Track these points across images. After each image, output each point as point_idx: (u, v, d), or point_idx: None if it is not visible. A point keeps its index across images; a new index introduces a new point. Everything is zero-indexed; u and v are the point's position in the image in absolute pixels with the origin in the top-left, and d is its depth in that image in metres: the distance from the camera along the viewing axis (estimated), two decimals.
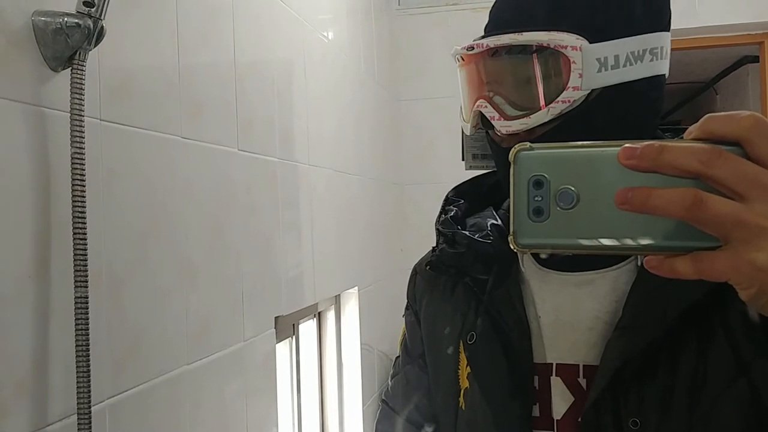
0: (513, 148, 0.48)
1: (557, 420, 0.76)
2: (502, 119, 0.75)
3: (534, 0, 0.76)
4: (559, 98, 0.73)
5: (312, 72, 2.11)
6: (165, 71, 1.28)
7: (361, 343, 2.58)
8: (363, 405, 2.58)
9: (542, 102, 0.75)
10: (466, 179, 0.93)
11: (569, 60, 0.73)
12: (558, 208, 0.47)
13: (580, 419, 0.73)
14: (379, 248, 2.90)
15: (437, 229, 0.88)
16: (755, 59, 3.52)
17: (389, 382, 1.00)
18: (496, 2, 0.81)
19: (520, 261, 0.84)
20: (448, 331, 0.86)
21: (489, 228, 0.85)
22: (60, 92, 0.97)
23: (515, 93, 0.77)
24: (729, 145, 0.44)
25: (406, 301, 0.99)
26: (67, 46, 0.94)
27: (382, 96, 3.05)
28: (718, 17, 3.06)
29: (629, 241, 0.46)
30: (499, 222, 0.86)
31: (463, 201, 0.90)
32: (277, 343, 1.81)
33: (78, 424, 0.94)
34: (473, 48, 0.75)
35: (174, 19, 1.32)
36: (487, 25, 0.81)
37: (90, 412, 0.95)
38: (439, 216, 0.89)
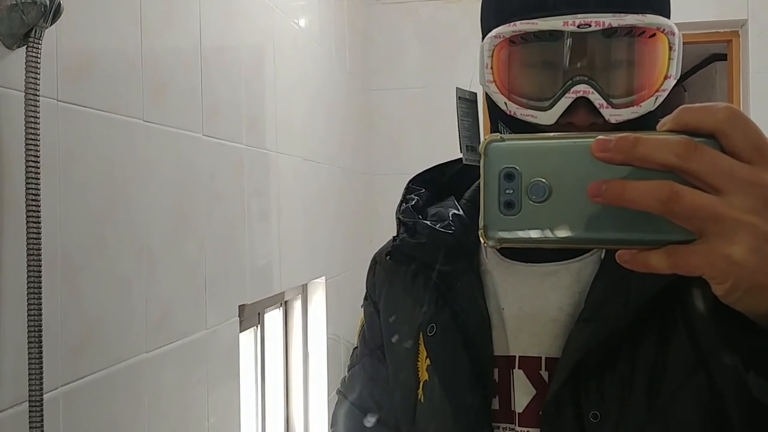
0: (483, 140, 0.47)
1: (519, 413, 0.75)
2: (610, 107, 0.69)
3: None
4: (662, 87, 0.71)
5: (282, 59, 2.09)
6: (127, 53, 1.25)
7: (327, 333, 2.57)
8: (328, 395, 2.57)
9: (650, 89, 0.71)
10: (428, 168, 0.91)
11: (671, 47, 0.70)
12: (530, 201, 0.45)
13: (541, 412, 0.72)
14: (348, 238, 2.88)
15: (398, 218, 0.86)
16: (723, 57, 3.55)
17: (346, 374, 0.97)
18: None
19: (483, 252, 0.82)
20: (407, 323, 0.84)
21: (450, 218, 0.83)
22: (15, 71, 0.95)
23: (621, 78, 0.71)
24: (704, 137, 0.43)
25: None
26: (23, 23, 0.92)
27: (352, 85, 3.03)
28: (688, 15, 3.09)
29: (602, 235, 0.45)
30: (461, 212, 0.84)
31: (424, 190, 0.88)
32: (241, 331, 1.79)
33: (29, 411, 0.92)
34: (589, 25, 0.67)
35: (137, 0, 1.29)
36: (552, 1, 0.70)
37: (42, 399, 0.93)
38: (400, 205, 0.86)
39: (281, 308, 2.36)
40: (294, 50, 2.22)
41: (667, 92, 0.71)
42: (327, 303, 2.56)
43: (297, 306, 2.48)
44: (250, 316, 1.91)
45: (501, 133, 0.76)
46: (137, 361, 1.26)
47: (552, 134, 0.46)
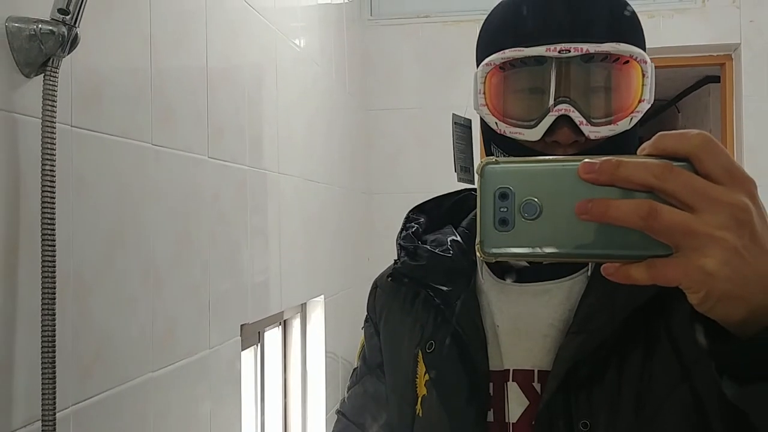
0: (480, 162, 0.51)
1: (513, 423, 0.79)
2: (589, 125, 0.77)
3: (612, 13, 0.79)
4: (636, 109, 0.78)
5: (283, 80, 2.12)
6: (137, 78, 1.29)
7: (326, 352, 2.59)
8: (326, 413, 2.59)
9: (626, 111, 0.78)
10: (427, 199, 0.97)
11: (644, 74, 0.78)
12: (522, 219, 0.49)
13: (533, 422, 0.76)
14: (346, 257, 2.91)
15: (399, 244, 0.92)
16: (716, 79, 3.61)
17: (346, 394, 1.01)
18: (547, 11, 0.79)
19: (479, 273, 0.87)
20: (407, 341, 0.89)
21: (449, 243, 0.89)
22: (32, 98, 0.98)
23: (599, 100, 0.78)
24: (679, 160, 0.47)
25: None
26: (41, 52, 0.95)
27: (351, 105, 3.07)
28: (682, 38, 3.15)
29: (588, 250, 0.49)
30: (459, 238, 0.90)
31: (423, 219, 0.94)
32: (242, 350, 1.81)
33: (42, 430, 0.94)
34: (568, 51, 0.75)
35: (147, 24, 1.32)
36: (536, 33, 0.78)
37: (55, 419, 0.95)
38: (401, 232, 0.93)
39: (280, 327, 2.38)
40: (294, 71, 2.26)
41: (642, 114, 0.79)
42: (326, 322, 2.58)
43: (296, 325, 2.50)
44: (250, 335, 1.93)
45: (494, 153, 0.83)
46: (144, 381, 1.29)
47: (542, 158, 0.51)
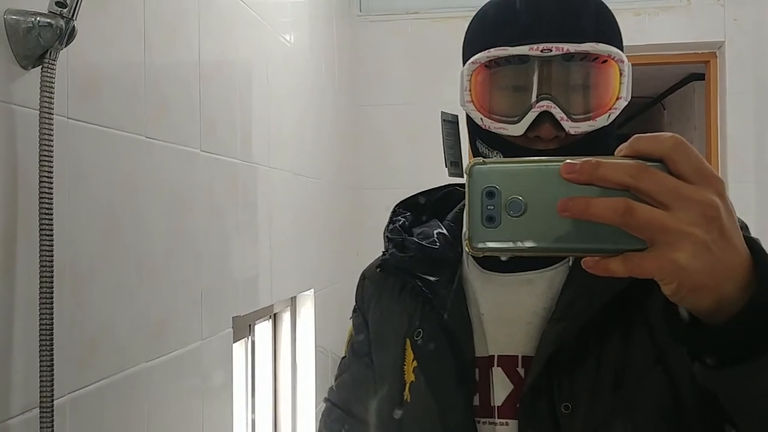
0: (468, 163, 0.54)
1: (498, 406, 0.82)
2: (569, 120, 0.81)
3: (591, 15, 0.83)
4: (614, 106, 0.83)
5: (273, 75, 2.14)
6: (132, 71, 1.30)
7: (315, 345, 2.61)
8: (316, 406, 2.61)
9: (604, 107, 0.82)
10: (413, 194, 1.01)
11: (621, 72, 0.82)
12: (508, 216, 0.53)
13: (518, 404, 0.80)
14: (336, 251, 2.93)
15: (386, 237, 0.96)
16: (701, 77, 3.66)
17: (333, 382, 1.04)
18: (530, 12, 0.83)
19: (464, 264, 0.91)
20: (395, 329, 0.92)
21: (436, 236, 0.93)
22: (30, 90, 0.99)
23: (579, 97, 0.82)
24: (654, 161, 0.51)
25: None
26: (39, 45, 0.96)
27: (341, 101, 3.09)
28: (668, 36, 3.18)
29: (569, 244, 0.53)
30: (445, 231, 0.93)
31: (409, 213, 0.98)
32: (233, 342, 1.83)
33: (40, 417, 0.96)
34: (550, 50, 0.79)
35: (141, 18, 1.33)
36: (521, 33, 0.82)
37: (52, 406, 0.97)
38: (388, 225, 0.97)
39: (270, 320, 2.40)
40: (285, 66, 2.27)
41: (619, 110, 0.83)
42: (315, 315, 2.60)
43: (286, 318, 2.52)
44: (241, 327, 1.95)
45: (479, 148, 0.87)
46: (138, 370, 1.30)
47: (527, 158, 0.54)
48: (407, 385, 0.88)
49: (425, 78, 3.33)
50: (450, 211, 0.98)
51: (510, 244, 0.53)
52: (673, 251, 0.49)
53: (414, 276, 0.90)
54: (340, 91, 3.07)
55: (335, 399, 1.02)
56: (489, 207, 0.53)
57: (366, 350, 0.98)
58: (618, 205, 0.49)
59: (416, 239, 0.92)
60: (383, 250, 0.96)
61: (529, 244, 0.53)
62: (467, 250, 0.54)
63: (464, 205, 0.94)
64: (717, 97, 3.27)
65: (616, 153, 0.53)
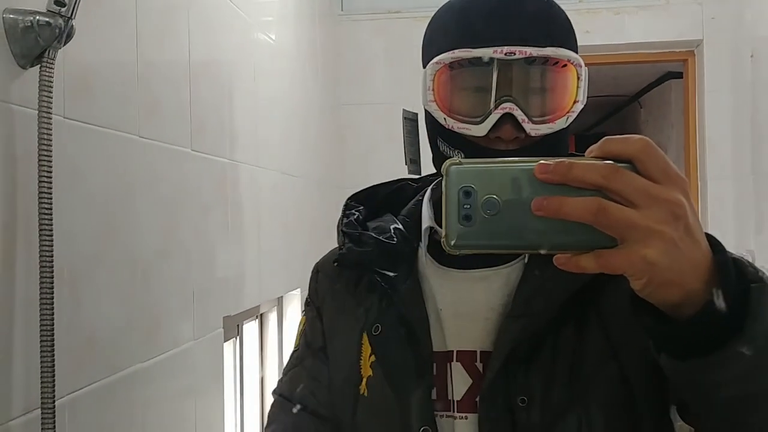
0: (445, 163, 0.56)
1: (457, 401, 0.84)
2: (530, 123, 0.82)
3: (552, 20, 0.85)
4: (572, 109, 0.85)
5: (259, 73, 2.14)
6: (125, 70, 1.29)
7: None
8: None
9: (562, 110, 0.85)
10: (364, 188, 1.01)
11: (579, 77, 0.85)
12: (484, 215, 0.54)
13: (477, 399, 0.82)
14: (322, 250, 2.92)
15: (341, 231, 0.95)
16: (679, 75, 3.71)
17: (284, 376, 1.02)
18: (494, 15, 0.84)
19: (421, 260, 0.92)
20: (351, 323, 0.92)
21: (392, 231, 0.93)
22: (28, 90, 0.98)
23: (539, 100, 0.84)
24: (623, 162, 0.53)
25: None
26: (37, 44, 0.95)
27: (324, 99, 3.09)
28: (646, 34, 3.22)
29: (543, 242, 0.55)
30: (401, 226, 0.94)
31: (362, 207, 0.98)
32: (224, 342, 1.82)
33: (42, 418, 0.95)
34: (513, 54, 0.81)
35: (134, 17, 1.33)
36: (484, 35, 0.83)
37: (54, 407, 0.96)
38: (342, 219, 0.97)
39: (257, 320, 2.40)
40: (270, 65, 2.27)
41: (576, 114, 0.85)
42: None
43: (272, 318, 2.51)
44: (230, 327, 1.94)
45: (440, 147, 0.89)
46: (133, 371, 1.30)
47: (502, 159, 0.56)
48: (364, 380, 0.89)
49: (407, 77, 3.33)
50: (403, 205, 0.99)
51: (486, 242, 0.55)
52: (643, 248, 0.52)
53: (373, 271, 0.91)
54: (323, 90, 3.07)
55: (287, 392, 0.99)
56: (465, 206, 0.55)
57: (320, 344, 0.97)
58: (591, 204, 0.52)
59: (373, 234, 0.93)
60: (339, 244, 0.96)
61: (504, 241, 0.55)
62: (445, 248, 0.56)
63: (419, 200, 0.96)
64: (695, 95, 3.31)
65: (586, 154, 0.55)
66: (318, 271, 1.03)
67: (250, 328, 2.33)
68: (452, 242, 0.55)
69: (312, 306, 1.01)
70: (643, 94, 5.51)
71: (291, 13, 2.60)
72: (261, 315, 2.42)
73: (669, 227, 0.52)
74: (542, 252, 0.56)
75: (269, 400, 2.56)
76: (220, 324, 1.75)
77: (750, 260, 0.58)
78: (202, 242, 1.64)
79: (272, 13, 2.36)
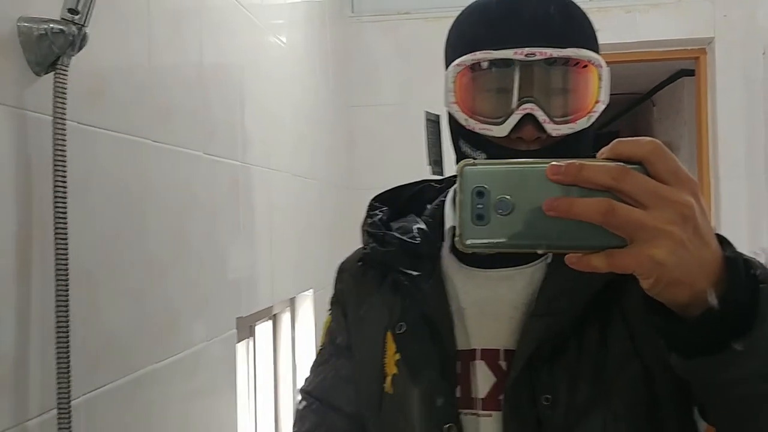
0: (459, 163, 0.57)
1: (481, 398, 0.85)
2: (552, 123, 0.84)
3: (572, 21, 0.86)
4: (593, 109, 0.86)
5: (270, 76, 2.15)
6: (137, 76, 1.31)
7: (315, 345, 2.62)
8: None
9: (584, 110, 0.86)
10: (387, 189, 1.03)
11: (600, 77, 0.86)
12: (497, 214, 0.56)
13: (501, 397, 0.83)
14: (334, 251, 2.94)
15: (366, 231, 0.97)
16: (691, 73, 3.69)
17: (310, 375, 1.04)
18: (514, 16, 0.86)
19: (444, 260, 0.93)
20: (375, 322, 0.94)
21: (416, 231, 0.95)
22: (42, 96, 1.00)
23: (560, 100, 0.85)
24: (634, 164, 0.54)
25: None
26: (51, 51, 0.97)
27: (335, 101, 3.10)
28: (658, 32, 3.22)
29: (554, 241, 0.56)
30: (424, 226, 0.95)
31: (386, 208, 1.00)
32: (236, 343, 1.84)
33: (58, 418, 0.97)
34: (534, 55, 0.82)
35: (146, 23, 1.35)
36: (505, 37, 0.84)
37: (69, 408, 0.98)
38: (366, 220, 0.98)
39: (270, 321, 2.41)
40: (281, 68, 2.29)
41: (598, 113, 0.86)
42: (315, 316, 2.61)
43: (285, 319, 2.53)
44: (243, 328, 1.96)
45: (462, 148, 0.90)
46: (147, 372, 1.31)
47: (515, 160, 0.57)
48: (389, 378, 0.90)
49: (417, 78, 3.35)
50: (426, 205, 1.00)
51: (498, 241, 0.56)
52: (651, 248, 0.53)
53: (396, 270, 0.92)
54: (334, 92, 3.08)
55: (313, 391, 1.02)
56: (479, 206, 0.56)
57: (346, 342, 0.99)
58: (600, 205, 0.53)
59: (396, 234, 0.94)
60: (363, 244, 0.98)
61: (516, 241, 0.56)
62: (458, 246, 0.57)
63: (441, 201, 0.97)
64: (707, 93, 3.30)
65: (598, 156, 0.57)
66: (343, 270, 1.05)
67: (264, 328, 2.34)
68: (465, 241, 0.56)
69: (337, 305, 1.03)
70: (656, 92, 5.49)
71: (301, 16, 2.62)
72: (274, 316, 2.44)
73: (677, 228, 0.53)
74: (554, 251, 0.57)
75: (283, 400, 2.58)
76: (233, 325, 1.77)
77: (764, 258, 0.59)
78: (214, 244, 1.66)
79: (283, 17, 2.37)
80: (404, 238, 0.93)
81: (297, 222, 2.42)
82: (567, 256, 0.56)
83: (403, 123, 3.36)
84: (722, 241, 0.58)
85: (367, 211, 0.99)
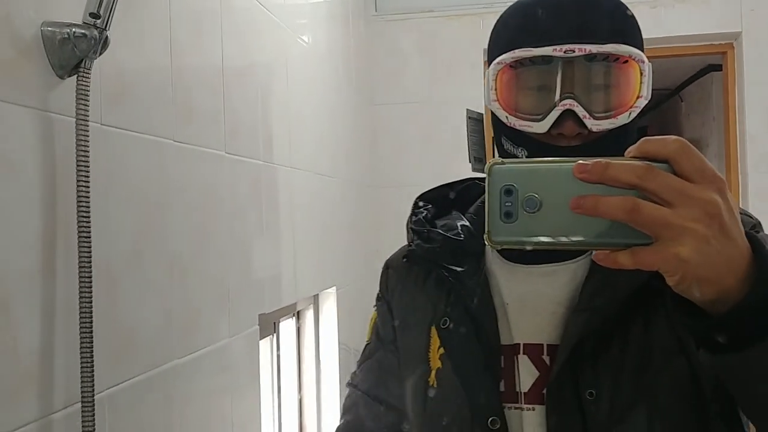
0: (488, 162, 0.59)
1: (524, 392, 0.86)
2: (592, 118, 0.84)
3: (613, 17, 0.86)
4: (635, 104, 0.86)
5: (292, 76, 2.18)
6: (159, 77, 1.34)
7: (339, 343, 2.64)
8: (340, 402, 2.64)
9: (625, 106, 0.86)
10: (433, 187, 1.04)
11: (642, 73, 0.86)
12: (525, 212, 0.57)
13: (544, 391, 0.84)
14: (356, 249, 2.96)
15: (411, 228, 0.99)
16: (719, 68, 3.65)
17: (357, 368, 1.07)
18: (554, 13, 0.86)
19: (488, 256, 0.95)
20: (420, 317, 0.96)
21: (459, 228, 0.96)
22: (65, 98, 1.03)
23: (601, 96, 0.86)
24: (659, 162, 0.55)
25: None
26: (74, 54, 1.00)
27: (358, 100, 3.12)
28: (684, 27, 3.18)
29: (581, 239, 0.57)
30: (468, 223, 0.97)
31: (431, 205, 1.01)
32: (260, 339, 1.87)
33: (82, 412, 1.00)
34: (573, 51, 0.83)
35: (167, 25, 1.37)
36: (544, 34, 0.85)
37: (93, 401, 1.01)
38: (411, 217, 1.00)
39: (294, 318, 2.44)
40: (303, 67, 2.31)
41: (640, 109, 0.86)
42: (338, 313, 2.63)
43: (309, 316, 2.55)
44: (266, 325, 1.99)
45: (504, 145, 0.91)
46: (170, 367, 1.34)
47: (542, 159, 0.58)
48: (433, 371, 0.92)
49: (439, 75, 3.35)
50: (471, 203, 1.01)
51: (526, 238, 0.58)
52: (676, 245, 0.53)
53: (440, 266, 0.94)
54: (356, 90, 3.10)
55: (360, 384, 1.05)
56: (507, 204, 0.57)
57: (391, 337, 1.01)
58: (625, 203, 0.53)
59: (441, 231, 0.95)
60: (408, 241, 0.99)
61: (543, 238, 0.57)
62: (487, 243, 0.58)
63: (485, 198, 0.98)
64: (735, 88, 3.26)
65: (625, 154, 0.57)
66: (388, 267, 1.07)
67: (287, 325, 2.37)
68: (494, 238, 0.58)
69: (383, 301, 1.05)
70: (684, 88, 5.42)
71: (324, 15, 2.64)
72: (298, 313, 2.46)
73: (702, 225, 0.53)
74: (581, 248, 0.59)
75: (307, 396, 2.60)
76: (256, 321, 1.80)
77: None
78: (237, 242, 1.68)
79: (305, 17, 2.40)
80: (448, 234, 0.95)
81: (319, 220, 2.44)
82: (594, 253, 0.57)
83: (426, 121, 3.36)
84: (752, 239, 0.58)
85: (412, 209, 1.01)
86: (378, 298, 1.07)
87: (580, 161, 0.55)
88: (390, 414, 0.99)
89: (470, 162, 0.99)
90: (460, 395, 0.88)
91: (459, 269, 0.92)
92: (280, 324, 2.23)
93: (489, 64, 0.92)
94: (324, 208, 2.50)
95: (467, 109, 0.95)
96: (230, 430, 1.63)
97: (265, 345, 2.08)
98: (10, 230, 0.94)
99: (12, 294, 0.94)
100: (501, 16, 0.93)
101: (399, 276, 1.03)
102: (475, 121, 0.94)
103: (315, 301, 2.58)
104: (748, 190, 3.15)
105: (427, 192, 1.03)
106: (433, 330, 0.93)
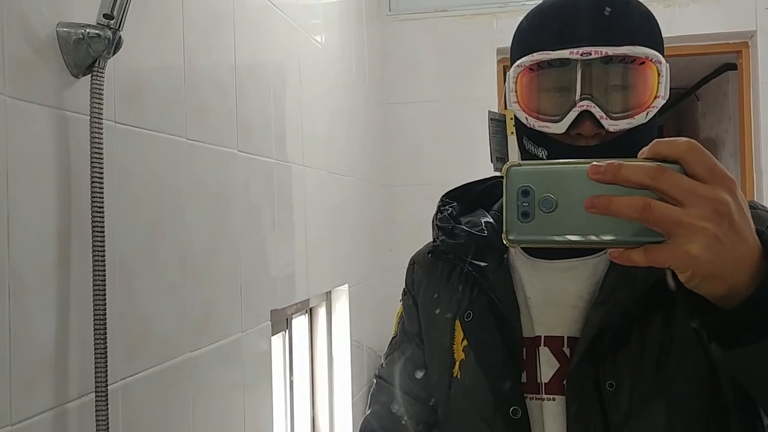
0: (504, 165, 0.62)
1: (545, 383, 0.89)
2: (609, 119, 0.87)
3: (630, 19, 0.89)
4: (652, 104, 0.88)
5: (305, 75, 2.20)
6: (172, 76, 1.37)
7: (351, 339, 2.67)
8: (352, 398, 2.67)
9: (642, 106, 0.88)
10: (457, 186, 1.07)
11: (659, 73, 0.88)
12: (541, 212, 0.60)
13: (564, 382, 0.86)
14: (369, 247, 2.98)
15: (436, 225, 1.02)
16: (735, 66, 3.63)
17: (384, 361, 1.11)
18: (571, 16, 0.89)
19: (511, 251, 0.98)
20: (444, 310, 0.99)
21: (483, 224, 0.99)
22: (80, 97, 1.06)
23: (618, 97, 0.89)
24: (671, 163, 0.57)
25: (400, 295, 1.13)
26: (88, 54, 1.03)
27: (371, 99, 3.14)
28: (698, 27, 3.17)
29: (595, 237, 0.60)
30: (492, 220, 1.00)
31: (456, 203, 1.04)
32: (272, 335, 1.89)
33: (96, 401, 1.03)
34: (590, 54, 0.85)
35: (180, 25, 1.40)
36: (562, 37, 0.88)
37: (107, 391, 1.04)
38: (436, 214, 1.03)
39: (307, 314, 2.47)
40: (316, 67, 2.33)
41: (657, 109, 0.89)
42: (350, 310, 2.66)
43: (322, 312, 2.58)
44: (279, 321, 2.01)
45: (525, 146, 0.95)
46: (183, 360, 1.37)
47: (557, 160, 0.61)
48: (457, 363, 0.95)
49: (453, 75, 3.37)
50: (495, 201, 1.04)
51: (542, 237, 0.60)
52: (687, 243, 0.56)
53: (465, 261, 0.97)
54: (370, 90, 3.12)
55: (386, 376, 1.08)
56: (524, 204, 0.60)
57: (416, 330, 1.05)
58: (637, 202, 0.56)
59: (465, 227, 0.99)
60: (433, 237, 1.03)
61: (559, 237, 0.60)
62: (504, 242, 0.61)
63: None
64: (749, 87, 3.25)
65: (638, 155, 0.60)
66: (414, 263, 1.10)
67: (300, 322, 2.40)
68: (511, 237, 0.61)
69: (409, 295, 1.08)
70: (700, 87, 5.39)
71: (338, 15, 2.66)
72: (310, 309, 2.49)
73: (712, 224, 0.56)
74: (595, 246, 0.61)
75: (319, 392, 2.63)
76: (268, 317, 1.82)
77: None
78: (250, 238, 1.71)
79: (318, 17, 2.42)
80: (472, 231, 0.98)
81: (332, 218, 2.47)
82: (609, 251, 0.59)
83: (440, 120, 3.38)
84: (762, 236, 0.60)
85: (438, 207, 1.04)
86: (404, 293, 1.10)
87: (594, 162, 0.58)
88: (416, 404, 1.03)
89: (492, 162, 1.01)
90: (483, 386, 0.91)
91: (482, 264, 0.95)
92: (293, 320, 2.26)
93: (510, 66, 0.95)
94: (337, 206, 2.52)
95: (489, 111, 0.98)
96: (242, 424, 1.66)
97: (277, 341, 2.11)
98: (27, 225, 0.97)
99: (29, 287, 0.97)
100: (523, 19, 0.96)
101: (424, 271, 1.06)
102: (496, 122, 0.97)
103: (327, 298, 2.60)
104: (763, 189, 3.14)
105: (452, 190, 1.06)
106: (457, 323, 0.96)
